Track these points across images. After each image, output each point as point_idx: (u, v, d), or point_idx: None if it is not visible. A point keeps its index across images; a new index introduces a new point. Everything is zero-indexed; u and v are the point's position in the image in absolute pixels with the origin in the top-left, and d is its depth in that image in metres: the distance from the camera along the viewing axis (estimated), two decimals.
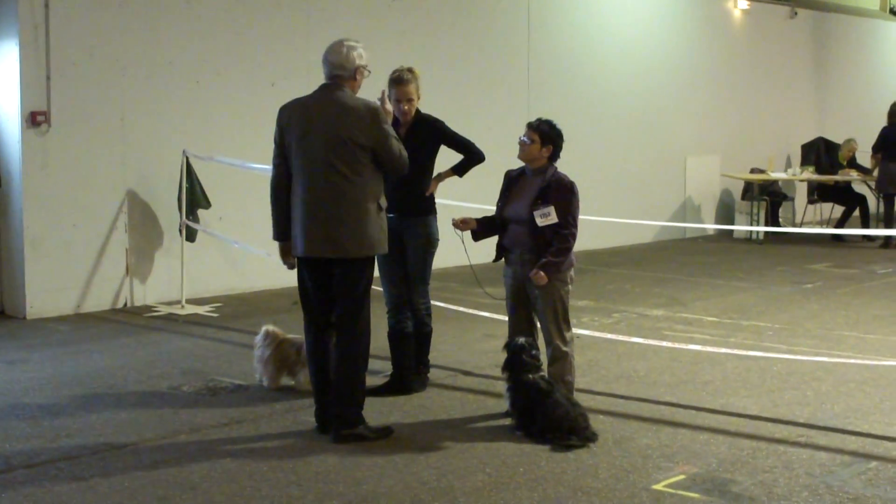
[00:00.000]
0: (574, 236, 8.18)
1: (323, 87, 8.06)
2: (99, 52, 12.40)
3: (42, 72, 11.90)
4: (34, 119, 11.85)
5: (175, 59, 13.09)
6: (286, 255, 8.07)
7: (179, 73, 13.14)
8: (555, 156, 8.30)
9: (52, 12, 11.92)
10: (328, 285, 7.85)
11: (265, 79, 13.96)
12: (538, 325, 8.38)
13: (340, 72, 7.99)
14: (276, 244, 8.14)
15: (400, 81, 9.00)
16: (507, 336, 8.34)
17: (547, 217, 8.08)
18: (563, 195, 8.16)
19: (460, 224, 8.48)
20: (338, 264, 7.79)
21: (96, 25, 12.36)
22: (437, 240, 9.15)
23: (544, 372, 8.06)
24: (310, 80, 14.26)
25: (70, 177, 12.25)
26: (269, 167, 12.97)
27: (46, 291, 12.12)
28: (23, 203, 11.90)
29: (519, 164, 8.41)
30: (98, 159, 12.46)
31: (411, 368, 9.16)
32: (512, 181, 8.43)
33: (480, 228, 8.49)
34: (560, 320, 8.22)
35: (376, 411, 8.48)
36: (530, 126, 8.29)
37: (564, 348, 8.24)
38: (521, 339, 8.06)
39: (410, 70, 9.07)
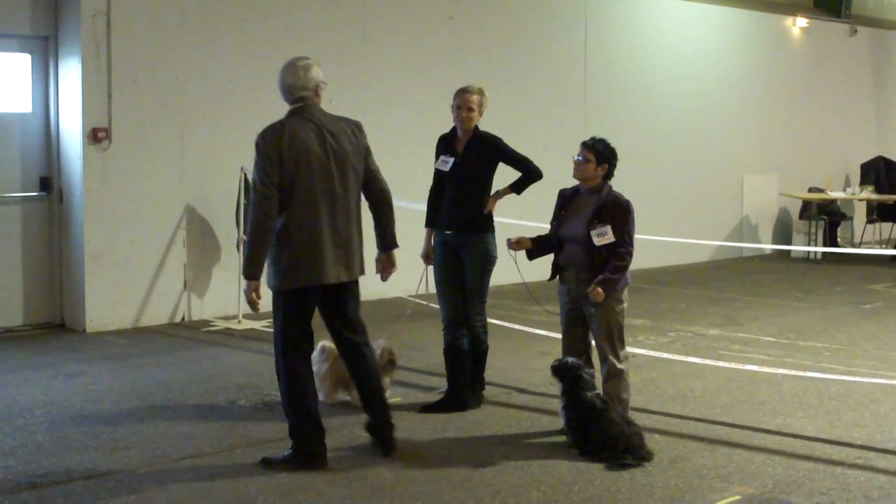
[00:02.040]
0: (630, 254, 8.19)
1: (304, 109, 7.75)
2: (159, 69, 12.55)
3: (104, 89, 12.06)
4: (95, 135, 12.00)
5: (233, 76, 13.22)
6: (258, 291, 7.48)
7: (237, 91, 13.26)
8: (609, 174, 8.33)
9: (113, 31, 12.08)
10: (312, 313, 7.78)
11: (323, 96, 13.99)
12: (592, 343, 8.40)
13: (305, 93, 7.75)
14: None
15: (465, 90, 9.10)
16: (561, 354, 8.35)
17: (604, 236, 8.09)
18: (620, 214, 8.18)
19: (515, 244, 8.51)
20: (344, 287, 7.80)
21: (156, 43, 12.51)
22: (495, 257, 9.18)
23: (599, 391, 8.07)
24: (366, 96, 14.45)
25: (130, 192, 12.39)
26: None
27: (106, 305, 12.26)
28: (84, 218, 12.04)
29: (573, 182, 8.43)
30: (157, 175, 12.60)
31: (466, 385, 9.19)
32: (567, 200, 8.44)
33: (535, 248, 8.51)
34: (615, 338, 8.23)
35: (431, 427, 8.53)
36: (585, 145, 8.31)
37: (619, 366, 8.24)
38: (573, 359, 8.08)
39: (480, 90, 9.16)
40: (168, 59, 12.63)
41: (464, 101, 9.08)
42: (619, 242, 8.12)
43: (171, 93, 12.69)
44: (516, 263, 8.69)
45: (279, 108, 13.45)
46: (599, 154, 8.25)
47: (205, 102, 12.97)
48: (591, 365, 8.19)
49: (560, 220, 8.41)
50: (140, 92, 12.39)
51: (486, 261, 9.14)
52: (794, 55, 21.63)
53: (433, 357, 10.54)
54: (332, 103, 13.93)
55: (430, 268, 9.43)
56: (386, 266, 8.17)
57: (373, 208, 7.97)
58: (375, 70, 14.68)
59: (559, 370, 8.08)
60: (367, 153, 7.85)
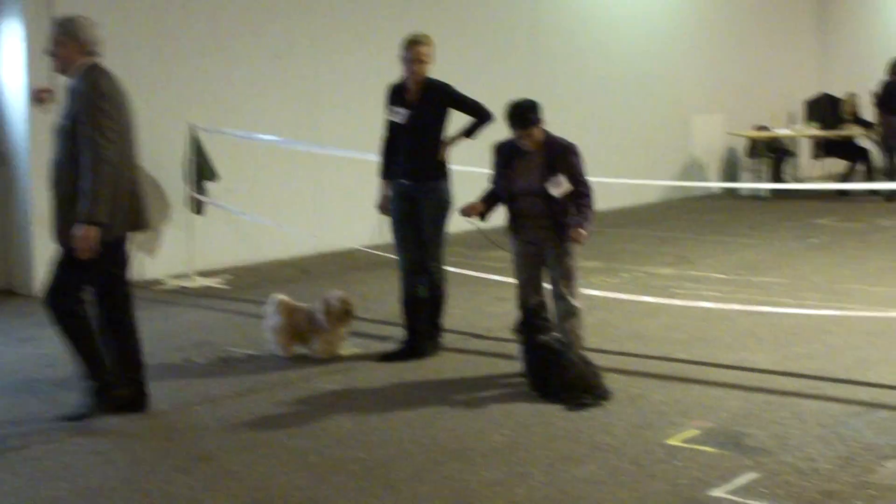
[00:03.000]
0: (590, 193, 8.23)
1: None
2: (104, 27, 12.32)
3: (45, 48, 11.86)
4: (40, 97, 11.84)
5: (179, 33, 13.07)
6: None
7: (184, 48, 13.12)
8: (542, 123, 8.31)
9: None
10: None
11: (269, 51, 13.94)
12: (549, 287, 8.42)
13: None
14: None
15: (416, 42, 9.03)
16: (519, 298, 8.35)
17: (560, 186, 8.13)
18: (567, 159, 8.20)
19: (469, 210, 8.45)
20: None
21: (101, 1, 12.33)
22: (451, 203, 9.17)
23: (556, 333, 8.08)
24: (314, 52, 14.35)
25: None
26: (274, 138, 13.08)
27: None
28: (30, 181, 11.88)
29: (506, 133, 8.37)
30: None
31: (424, 333, 9.19)
32: (510, 156, 8.37)
33: (486, 209, 8.48)
34: (573, 278, 8.28)
35: (390, 376, 8.52)
36: (518, 126, 8.21)
37: (577, 304, 8.30)
38: (534, 301, 8.10)
39: (426, 36, 9.08)
40: (113, 17, 12.38)
41: (414, 54, 9.01)
42: (576, 184, 8.15)
43: (116, 50, 12.42)
44: (478, 227, 8.64)
45: (226, 65, 13.42)
46: (533, 121, 8.20)
47: (152, 60, 12.81)
48: (546, 308, 8.21)
49: (506, 177, 8.35)
50: None
51: (443, 208, 9.13)
52: None
53: (389, 307, 10.52)
54: (279, 58, 13.90)
55: (385, 219, 9.39)
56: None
57: None
58: (323, 25, 14.55)
59: (524, 313, 8.09)
60: None
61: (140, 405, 7.71)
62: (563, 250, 8.20)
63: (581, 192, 8.16)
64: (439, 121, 9.13)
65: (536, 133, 8.19)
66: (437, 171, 9.14)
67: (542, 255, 8.34)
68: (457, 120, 9.18)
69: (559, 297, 8.31)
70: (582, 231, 8.06)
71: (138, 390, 7.75)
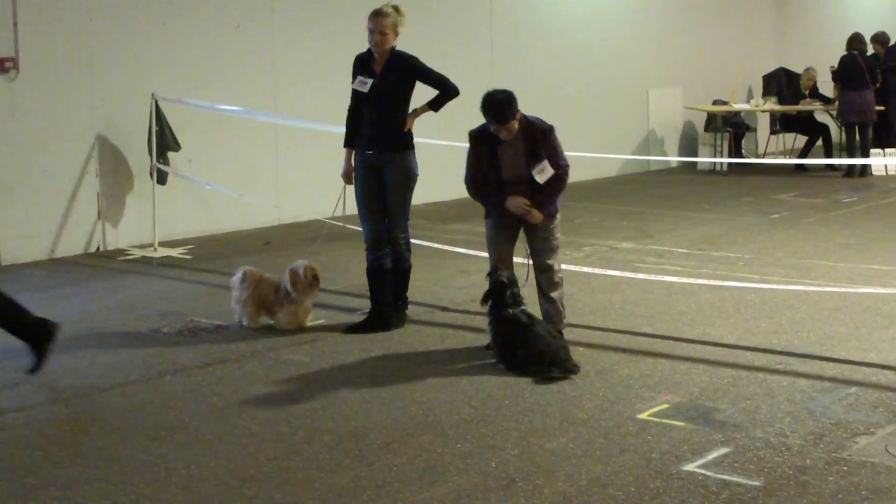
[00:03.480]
0: (567, 170, 8.40)
1: None
2: None
3: (9, 18, 11.76)
4: (2, 65, 11.73)
5: (140, 2, 12.96)
6: None
7: (145, 16, 13.02)
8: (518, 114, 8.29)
9: None
10: None
11: (230, 20, 13.87)
12: (528, 261, 8.54)
13: None
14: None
15: (378, 13, 9.03)
16: (490, 271, 8.36)
17: (544, 172, 8.23)
18: (547, 141, 8.30)
19: (523, 205, 8.34)
20: None
21: None
22: (416, 174, 9.20)
23: (525, 306, 8.10)
24: (273, 20, 14.29)
25: (39, 123, 12.14)
26: (236, 108, 13.03)
27: (19, 237, 12.05)
28: None
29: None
30: (67, 105, 12.35)
31: (390, 305, 9.21)
32: (491, 144, 8.33)
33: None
34: (556, 251, 8.47)
35: (357, 348, 8.53)
36: (497, 121, 8.16)
37: (561, 274, 8.50)
38: (504, 274, 8.12)
39: (396, 7, 9.07)
40: None
41: (377, 26, 9.01)
42: (556, 166, 8.25)
43: (79, 19, 12.43)
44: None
45: (188, 34, 13.35)
46: (512, 113, 8.16)
47: (113, 29, 12.71)
48: (516, 282, 8.23)
49: (495, 166, 8.34)
50: (47, 20, 12.11)
51: (408, 178, 9.14)
52: None
53: (353, 279, 10.54)
54: (240, 28, 13.84)
55: (349, 189, 9.39)
56: None
57: None
58: (283, 2, 14.51)
59: (493, 285, 8.12)
60: None
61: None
62: (546, 224, 8.31)
63: (559, 172, 8.28)
64: (404, 92, 9.14)
65: (514, 125, 8.19)
66: (403, 142, 9.15)
67: (517, 227, 8.38)
68: (423, 93, 9.21)
69: (545, 269, 8.39)
70: (537, 214, 8.23)
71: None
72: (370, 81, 9.09)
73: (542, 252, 8.39)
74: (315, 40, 14.71)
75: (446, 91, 9.23)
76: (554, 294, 8.42)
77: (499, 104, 8.16)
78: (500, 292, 8.02)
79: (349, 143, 9.30)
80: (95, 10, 12.52)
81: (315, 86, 14.49)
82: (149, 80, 12.81)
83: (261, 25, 14.18)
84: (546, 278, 8.42)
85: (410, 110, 9.19)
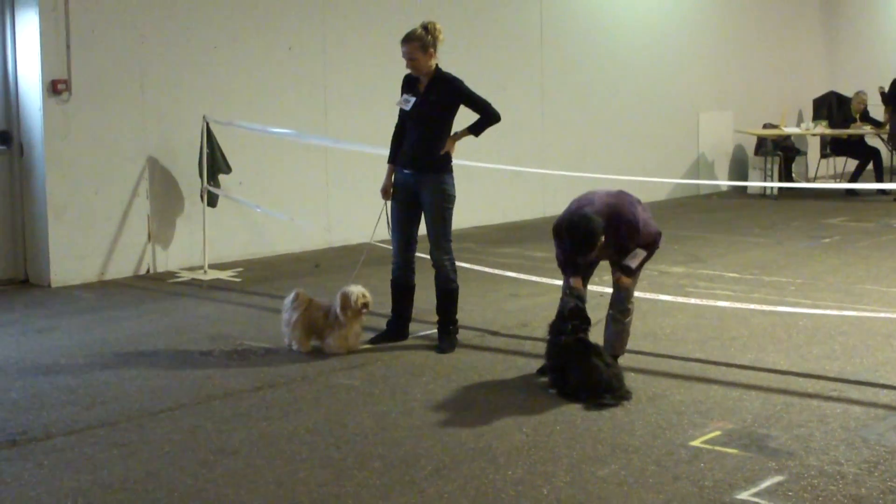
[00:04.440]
0: (659, 238, 8.45)
1: None
2: (117, 18, 12.34)
3: (62, 40, 11.83)
4: (55, 87, 11.81)
5: (192, 25, 13.03)
6: None
7: (197, 40, 13.09)
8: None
9: None
10: None
11: (282, 43, 13.92)
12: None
13: None
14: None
15: (405, 39, 9.06)
16: (562, 298, 8.23)
17: (637, 258, 8.22)
18: (634, 240, 8.20)
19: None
20: None
21: None
22: (454, 196, 9.19)
23: (587, 334, 7.98)
24: (325, 43, 14.31)
25: (91, 144, 12.21)
26: (287, 131, 13.05)
27: (70, 259, 12.10)
28: (45, 171, 11.86)
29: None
30: (118, 126, 12.42)
31: (409, 317, 9.49)
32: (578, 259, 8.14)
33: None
34: (639, 274, 8.43)
35: (407, 372, 8.49)
36: (582, 252, 7.95)
37: (634, 302, 8.45)
38: (573, 303, 8.00)
39: (426, 27, 9.05)
40: (127, 7, 12.41)
41: (405, 52, 9.05)
42: (646, 245, 8.25)
43: (131, 42, 12.50)
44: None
45: (239, 56, 13.39)
46: (595, 246, 7.90)
47: (164, 51, 12.79)
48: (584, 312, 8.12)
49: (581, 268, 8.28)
50: (99, 42, 12.19)
51: (445, 199, 9.12)
52: None
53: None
54: (292, 50, 13.88)
55: (389, 206, 9.41)
56: None
57: None
58: (336, 15, 14.51)
59: (560, 312, 8.07)
60: None
61: None
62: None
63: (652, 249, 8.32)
64: (445, 113, 9.14)
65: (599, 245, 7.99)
66: (440, 163, 9.13)
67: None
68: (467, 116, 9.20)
69: (622, 288, 8.33)
70: (626, 280, 8.26)
71: None
72: (413, 100, 9.12)
73: (624, 270, 8.26)
74: (366, 62, 14.73)
75: (488, 116, 9.21)
76: (623, 318, 8.35)
77: (580, 236, 7.87)
78: (563, 319, 7.95)
79: (392, 159, 9.35)
80: (148, 33, 12.59)
81: (366, 108, 14.52)
82: (200, 103, 12.86)
83: (312, 48, 14.22)
84: (620, 298, 8.34)
85: (451, 133, 9.18)
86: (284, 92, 13.99)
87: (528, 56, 17.02)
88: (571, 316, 7.92)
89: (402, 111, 9.25)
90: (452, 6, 15.82)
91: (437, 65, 9.12)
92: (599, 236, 7.84)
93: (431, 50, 9.05)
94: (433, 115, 9.07)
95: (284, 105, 13.95)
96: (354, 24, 14.72)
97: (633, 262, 8.18)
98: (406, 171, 9.18)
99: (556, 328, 7.97)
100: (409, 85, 9.25)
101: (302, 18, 14.09)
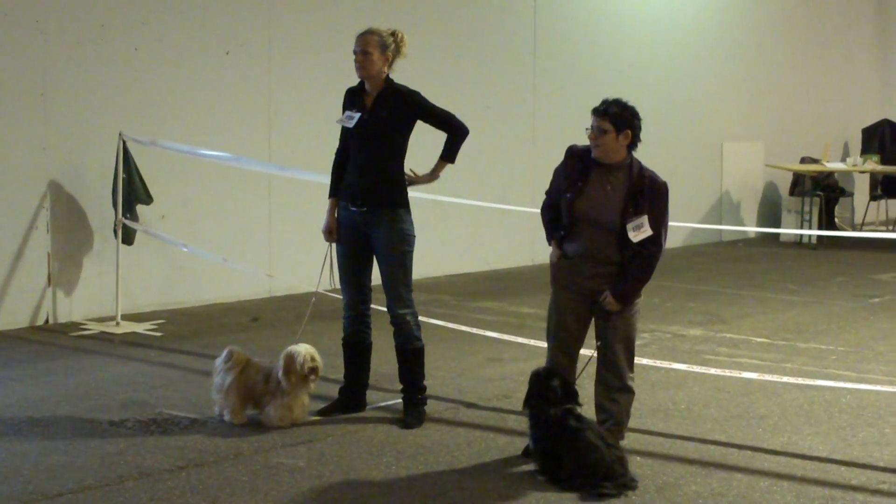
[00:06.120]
0: (659, 255, 8.22)
1: None
2: (15, 14, 12.35)
3: None
4: None
5: (108, 21, 13.05)
6: None
7: (114, 39, 13.10)
8: (634, 144, 8.21)
9: None
10: None
11: (218, 46, 13.95)
12: (605, 355, 8.32)
13: None
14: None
15: (364, 31, 9.06)
16: (546, 363, 8.31)
17: (640, 230, 8.04)
18: (657, 201, 8.17)
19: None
20: None
21: None
22: (413, 236, 9.16)
23: (578, 405, 8.00)
24: (271, 47, 14.36)
25: None
26: (223, 154, 13.05)
27: None
28: None
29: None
30: (14, 144, 12.42)
31: (365, 383, 9.51)
32: (585, 166, 8.21)
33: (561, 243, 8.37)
34: (631, 351, 8.30)
35: (363, 451, 8.49)
36: (597, 112, 8.14)
37: (631, 383, 8.31)
38: (547, 366, 8.06)
39: (393, 32, 9.07)
40: (34, 8, 12.41)
41: (359, 43, 9.01)
42: (652, 238, 8.10)
43: (31, 41, 12.50)
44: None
45: (166, 62, 13.41)
46: (617, 118, 8.10)
47: (72, 52, 12.80)
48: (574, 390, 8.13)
49: (578, 191, 8.19)
50: None
51: (404, 241, 9.10)
52: (783, 5, 21.74)
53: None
54: (230, 55, 13.91)
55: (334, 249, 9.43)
56: None
57: None
58: (284, 16, 14.56)
59: (533, 376, 8.07)
60: None
61: None
62: (623, 313, 8.17)
63: (652, 249, 8.16)
64: (399, 132, 9.10)
65: (610, 137, 8.10)
66: (395, 197, 9.08)
67: (590, 310, 8.29)
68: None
69: (613, 366, 8.27)
70: (612, 301, 8.09)
71: None
72: (357, 115, 9.06)
73: (613, 348, 8.23)
74: (320, 71, 14.75)
75: (455, 131, 9.22)
76: (618, 407, 8.29)
77: (607, 101, 8.17)
78: (543, 385, 7.96)
79: (333, 192, 9.29)
80: (52, 30, 12.59)
81: (318, 127, 14.48)
82: (115, 117, 12.86)
83: (255, 53, 14.25)
84: (613, 377, 8.30)
85: (425, 172, 9.23)
86: (220, 105, 14.01)
87: (518, 71, 17.11)
88: (551, 377, 7.94)
89: (344, 130, 9.20)
90: (437, 21, 15.91)
91: (388, 76, 9.12)
92: (630, 118, 8.10)
93: (389, 55, 9.02)
94: (386, 133, 9.01)
95: (219, 122, 13.97)
96: (306, 23, 14.78)
97: (635, 234, 8.04)
98: (353, 209, 9.11)
99: (537, 397, 7.96)
100: (352, 100, 9.20)
101: (243, 16, 14.13)
